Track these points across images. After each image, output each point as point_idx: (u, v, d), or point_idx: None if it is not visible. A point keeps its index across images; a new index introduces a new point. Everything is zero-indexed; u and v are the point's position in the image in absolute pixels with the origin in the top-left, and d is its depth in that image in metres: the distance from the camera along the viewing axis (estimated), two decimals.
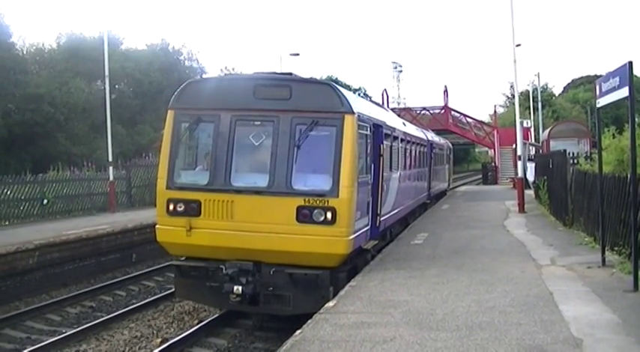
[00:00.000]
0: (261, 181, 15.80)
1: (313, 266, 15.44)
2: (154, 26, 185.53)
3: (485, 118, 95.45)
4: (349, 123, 15.59)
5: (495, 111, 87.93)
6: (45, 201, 33.41)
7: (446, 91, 69.04)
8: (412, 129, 30.05)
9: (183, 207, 16.04)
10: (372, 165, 18.18)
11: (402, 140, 24.56)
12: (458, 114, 70.06)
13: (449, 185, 49.88)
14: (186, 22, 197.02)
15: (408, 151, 26.57)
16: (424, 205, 33.98)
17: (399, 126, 24.98)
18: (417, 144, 29.68)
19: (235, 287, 15.57)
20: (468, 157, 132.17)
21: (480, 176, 77.88)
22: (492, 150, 68.59)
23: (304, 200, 15.33)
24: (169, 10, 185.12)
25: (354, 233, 15.95)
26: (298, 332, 11.25)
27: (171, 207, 16.14)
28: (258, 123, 16.36)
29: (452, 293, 13.67)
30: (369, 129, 17.69)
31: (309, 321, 11.99)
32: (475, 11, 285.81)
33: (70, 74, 68.24)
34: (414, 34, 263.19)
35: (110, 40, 47.14)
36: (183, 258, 16.82)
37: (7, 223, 30.68)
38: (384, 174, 19.71)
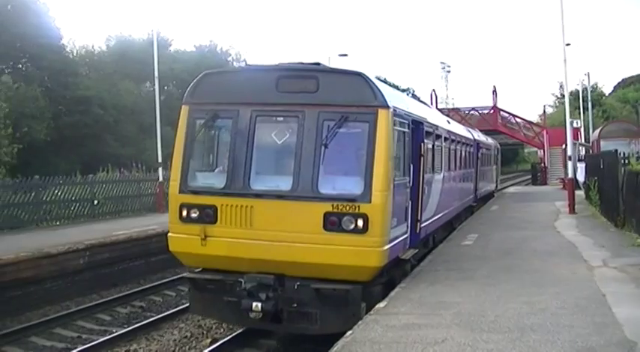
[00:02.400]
0: (284, 184, 14.02)
1: (343, 280, 13.71)
2: (203, 28, 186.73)
3: (535, 119, 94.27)
4: (383, 119, 13.73)
5: (544, 112, 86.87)
6: (95, 202, 33.21)
7: (495, 91, 67.61)
8: (457, 128, 28.02)
9: (197, 213, 14.38)
10: (411, 166, 16.28)
11: (445, 139, 22.50)
12: (507, 115, 68.44)
13: (497, 186, 48.13)
14: (235, 23, 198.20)
15: (453, 151, 24.55)
16: (470, 208, 32.08)
17: (443, 123, 22.99)
18: (463, 143, 27.71)
19: (254, 304, 13.81)
20: (517, 158, 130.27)
21: (529, 176, 76.69)
22: (541, 151, 67.42)
23: (332, 205, 13.53)
24: (217, 12, 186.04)
25: (390, 242, 14.11)
26: (349, 332, 11.20)
27: (184, 212, 14.49)
28: (281, 119, 14.70)
29: (502, 295, 13.48)
30: (407, 125, 15.78)
31: (360, 322, 11.91)
32: (524, 10, 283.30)
33: (118, 76, 68.25)
34: (463, 33, 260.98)
35: (159, 42, 46.61)
36: (198, 270, 15.23)
37: (57, 223, 30.64)
38: (425, 175, 17.80)
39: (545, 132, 65.86)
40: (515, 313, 11.93)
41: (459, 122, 37.84)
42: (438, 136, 20.89)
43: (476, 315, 11.86)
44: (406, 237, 15.95)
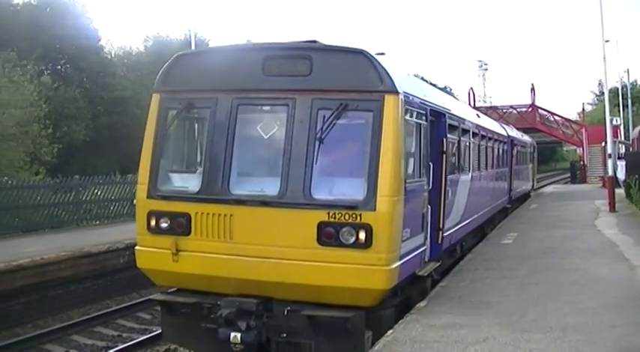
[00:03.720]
0: (271, 188, 11.45)
1: (342, 304, 11.23)
2: (239, 27, 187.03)
3: (573, 116, 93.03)
4: (392, 107, 11.16)
5: (583, 109, 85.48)
6: (135, 202, 32.66)
7: (533, 89, 66.17)
8: (488, 123, 25.23)
9: (168, 223, 11.86)
10: (431, 166, 13.49)
11: (474, 134, 19.65)
12: (545, 113, 66.90)
13: (533, 186, 45.53)
14: (272, 22, 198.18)
15: (483, 148, 21.73)
16: (504, 210, 29.22)
17: (471, 117, 20.02)
18: (495, 140, 24.96)
19: (232, 335, 11.27)
20: (555, 156, 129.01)
21: (568, 175, 75.02)
22: (580, 149, 66.27)
23: (328, 214, 10.98)
24: (253, 10, 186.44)
25: (401, 258, 11.48)
26: (390, 332, 11.00)
27: (153, 222, 11.97)
28: (268, 108, 12.10)
29: (543, 294, 13.17)
30: (424, 116, 13.06)
31: (401, 321, 11.67)
32: (563, 7, 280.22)
33: (156, 76, 68.81)
34: (500, 31, 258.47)
35: (196, 42, 46.30)
36: (172, 289, 12.73)
37: (97, 223, 30.41)
38: (449, 176, 15.14)
39: (584, 130, 63.92)
40: (556, 312, 11.67)
41: (498, 120, 35.78)
42: (465, 131, 18.10)
43: (516, 314, 11.64)
44: (424, 250, 13.31)
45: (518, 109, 66.32)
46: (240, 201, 11.52)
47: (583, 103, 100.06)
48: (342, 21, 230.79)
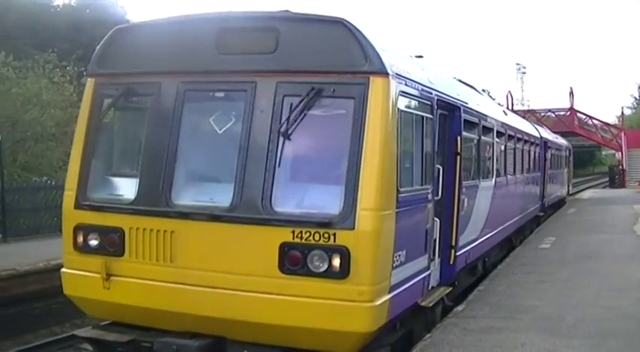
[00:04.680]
0: (222, 197, 8.50)
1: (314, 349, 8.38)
2: None
3: (612, 120, 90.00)
4: (379, 93, 8.16)
5: (622, 113, 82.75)
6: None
7: (571, 93, 63.11)
8: (518, 122, 21.65)
9: (98, 240, 9.01)
10: (440, 170, 10.47)
11: (499, 134, 16.30)
12: (584, 116, 64.89)
13: (568, 191, 41.46)
14: None
15: (511, 150, 18.33)
16: (536, 219, 25.65)
17: (495, 113, 16.57)
18: (526, 141, 21.45)
19: None
20: (594, 160, 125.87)
21: (606, 179, 72.20)
22: (619, 153, 64.16)
23: (293, 233, 8.04)
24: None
25: (391, 290, 8.53)
26: (427, 335, 10.19)
27: (80, 238, 9.12)
28: (222, 95, 9.03)
29: (582, 299, 12.31)
30: (429, 108, 10.02)
31: (438, 325, 10.80)
32: (601, 11, 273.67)
33: None
34: (538, 34, 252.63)
35: None
36: (106, 322, 9.78)
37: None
38: (465, 183, 12.05)
39: (623, 134, 60.70)
40: (595, 318, 10.90)
41: (536, 124, 31.91)
42: (487, 129, 14.81)
43: (555, 319, 10.86)
44: (428, 275, 10.31)
45: (556, 113, 63.20)
46: (183, 214, 8.60)
47: (622, 107, 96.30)
48: (380, 25, 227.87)
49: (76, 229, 9.17)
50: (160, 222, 8.66)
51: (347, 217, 7.95)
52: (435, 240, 10.74)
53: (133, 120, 9.97)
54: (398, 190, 8.54)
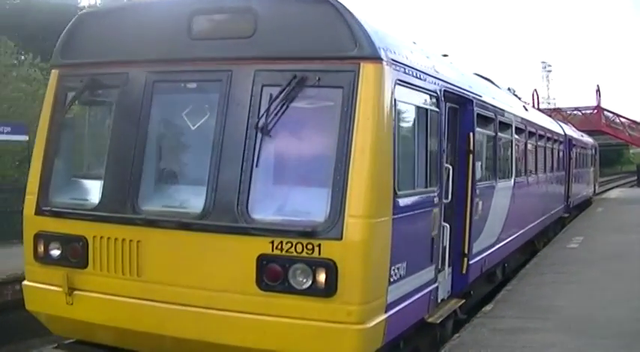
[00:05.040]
0: (193, 202, 7.33)
1: None
2: None
3: None
4: (372, 81, 6.94)
5: None
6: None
7: (598, 91, 62.25)
8: (540, 118, 19.99)
9: (60, 250, 7.85)
10: (450, 170, 9.23)
11: (519, 130, 14.91)
12: (611, 114, 63.68)
13: (595, 191, 39.37)
14: None
15: (532, 148, 16.84)
16: (560, 220, 23.81)
17: (514, 108, 15.06)
18: (548, 139, 19.83)
19: None
20: (621, 158, 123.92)
21: (633, 178, 70.76)
22: None
23: (272, 243, 6.84)
24: None
25: (388, 308, 7.29)
26: (456, 335, 9.93)
27: (41, 247, 7.96)
28: (194, 85, 7.90)
29: (612, 300, 11.96)
30: (435, 100, 8.74)
31: (467, 325, 10.49)
32: (629, 8, 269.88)
33: None
34: (564, 32, 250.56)
35: None
36: (70, 340, 8.53)
37: None
38: (479, 184, 10.78)
39: None
40: (625, 318, 10.61)
41: (562, 122, 29.41)
42: (505, 125, 13.33)
43: (585, 320, 10.61)
44: (435, 288, 8.99)
45: (583, 111, 61.56)
46: (149, 222, 7.40)
47: None
48: (404, 19, 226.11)
49: (37, 237, 8.03)
50: (125, 230, 7.49)
51: (333, 225, 6.73)
52: (445, 248, 9.48)
53: (99, 115, 8.81)
54: (395, 193, 7.30)
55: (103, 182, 7.81)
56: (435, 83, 8.73)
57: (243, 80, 7.26)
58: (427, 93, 8.50)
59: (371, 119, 6.86)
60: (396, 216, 7.27)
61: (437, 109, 8.78)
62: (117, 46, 7.92)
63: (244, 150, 7.10)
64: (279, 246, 6.82)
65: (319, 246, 6.70)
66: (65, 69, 8.27)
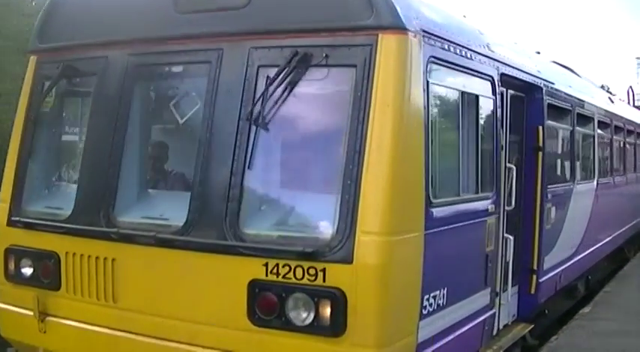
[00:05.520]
0: (176, 213, 5.75)
1: None
2: None
3: None
4: (393, 56, 5.22)
5: None
6: None
7: None
8: (627, 112, 17.05)
9: (32, 268, 6.44)
10: (513, 171, 7.58)
11: (603, 125, 12.70)
12: None
13: None
14: None
15: (618, 144, 14.48)
16: None
17: (596, 99, 12.69)
18: (639, 134, 17.26)
19: None
20: None
21: None
22: None
23: (266, 266, 5.22)
24: None
25: (422, 348, 5.59)
26: (553, 337, 9.50)
27: (12, 264, 6.56)
28: (180, 69, 6.27)
29: None
30: (490, 85, 6.96)
31: (564, 327, 10.10)
32: None
33: None
34: None
35: None
36: None
37: None
38: (551, 187, 8.80)
39: None
40: None
41: None
42: (586, 118, 11.23)
43: None
44: (492, 314, 7.22)
45: None
46: (125, 236, 5.85)
47: None
48: (496, 20, 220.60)
49: (7, 252, 6.63)
50: (99, 245, 6.00)
51: (341, 244, 5.06)
52: (508, 264, 7.68)
53: (76, 108, 7.25)
54: (429, 202, 5.57)
55: (77, 188, 6.38)
56: (489, 64, 6.92)
57: (235, 60, 5.67)
58: (477, 76, 6.70)
59: (391, 106, 5.16)
60: (430, 231, 5.55)
61: (491, 97, 6.97)
62: (95, 26, 6.45)
63: (235, 149, 5.52)
64: (275, 270, 5.21)
65: (323, 270, 5.06)
66: (43, 55, 6.84)
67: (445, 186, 6.07)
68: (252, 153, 5.45)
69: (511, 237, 7.62)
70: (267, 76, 5.43)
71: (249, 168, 5.46)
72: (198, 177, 5.67)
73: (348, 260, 5.00)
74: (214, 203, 5.52)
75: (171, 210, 5.84)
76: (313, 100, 5.61)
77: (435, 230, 5.62)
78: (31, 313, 6.38)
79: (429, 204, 5.53)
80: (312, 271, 5.07)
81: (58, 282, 6.27)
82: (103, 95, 6.32)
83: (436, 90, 5.84)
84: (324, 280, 5.04)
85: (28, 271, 6.48)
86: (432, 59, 5.65)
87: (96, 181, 6.18)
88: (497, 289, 7.43)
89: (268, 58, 5.51)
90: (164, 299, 5.70)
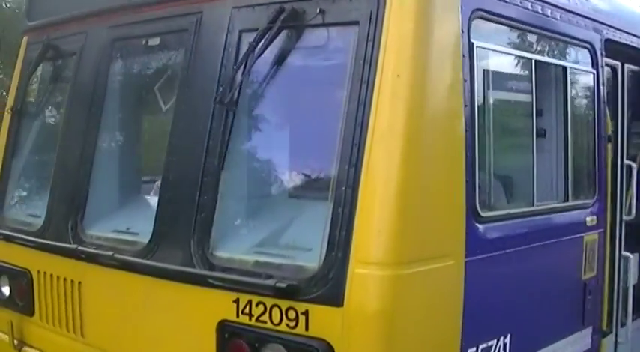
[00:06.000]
0: (146, 227, 4.28)
1: None
2: None
3: None
4: (408, 9, 3.50)
5: None
6: None
7: None
8: None
9: (9, 286, 5.22)
10: (630, 169, 5.64)
11: None
12: None
13: None
14: None
15: None
16: None
17: None
18: None
19: None
20: None
21: None
22: None
23: (237, 302, 3.67)
24: None
25: None
26: None
27: None
28: (157, 42, 4.69)
29: None
30: (589, 55, 5.01)
31: None
32: None
33: None
34: None
35: None
36: None
37: None
38: None
39: None
40: None
41: None
42: None
43: None
44: None
45: None
46: (89, 256, 4.49)
47: None
48: None
49: None
50: (66, 264, 4.69)
51: (329, 278, 3.44)
52: (628, 291, 5.70)
53: (60, 97, 5.81)
54: (474, 216, 3.82)
55: (49, 191, 5.11)
56: (585, 26, 4.98)
57: (215, 26, 4.19)
58: (564, 41, 4.83)
59: (405, 78, 3.47)
60: (476, 257, 3.80)
61: (590, 70, 5.04)
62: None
63: (208, 142, 4.02)
64: (247, 309, 3.68)
65: (306, 314, 3.48)
66: (31, 34, 5.67)
67: (508, 192, 4.35)
68: (227, 147, 3.95)
69: (630, 256, 5.67)
70: (250, 44, 3.90)
71: (223, 167, 3.95)
72: (166, 180, 4.26)
73: (336, 301, 3.39)
74: (182, 214, 4.06)
75: (143, 223, 4.42)
76: (304, 75, 4.05)
77: (487, 255, 3.90)
78: (5, 337, 5.24)
79: (474, 219, 3.81)
80: (291, 314, 3.51)
81: (31, 306, 5.05)
82: (79, 80, 5.05)
83: (489, 57, 4.09)
84: (306, 327, 3.48)
85: (6, 290, 5.30)
86: (479, 12, 3.90)
87: (66, 184, 4.91)
88: (607, 327, 5.50)
89: (252, 20, 4.00)
90: (130, 334, 4.33)
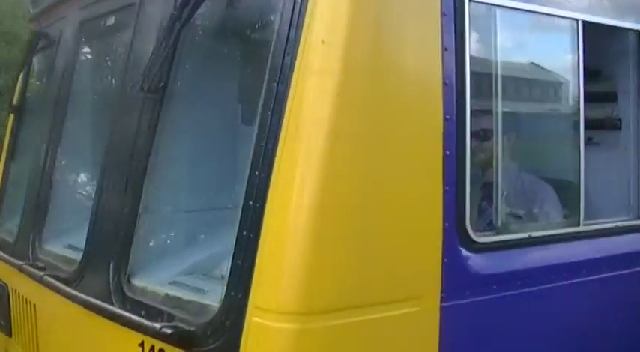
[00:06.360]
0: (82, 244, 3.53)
1: None
2: None
3: None
4: None
5: None
6: None
7: None
8: None
9: None
10: None
11: None
12: None
13: None
14: None
15: None
16: None
17: None
18: None
19: None
20: None
21: None
22: None
23: (141, 345, 2.79)
24: None
25: None
26: None
27: None
28: (112, 22, 3.87)
29: None
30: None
31: None
32: None
33: None
34: None
35: None
36: None
37: None
38: None
39: None
40: None
41: None
42: None
43: None
44: None
45: None
46: (40, 275, 3.66)
47: None
48: None
49: None
50: (25, 283, 4.02)
51: (225, 327, 2.44)
52: None
53: (40, 92, 5.13)
54: (464, 240, 2.66)
55: (24, 201, 4.46)
56: None
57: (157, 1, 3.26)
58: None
59: (337, 42, 2.39)
60: (463, 301, 2.66)
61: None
62: None
63: (134, 143, 3.16)
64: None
65: None
66: (35, 23, 4.99)
67: (532, 205, 3.05)
68: (148, 151, 3.07)
69: None
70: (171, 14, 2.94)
71: (146, 174, 3.07)
72: (100, 188, 3.44)
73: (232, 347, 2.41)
74: (108, 231, 3.25)
75: (80, 239, 3.61)
76: (234, 53, 3.20)
77: (484, 298, 2.71)
78: None
79: (462, 246, 2.65)
80: None
81: (9, 325, 4.41)
82: (54, 74, 4.34)
83: (490, 15, 2.86)
84: None
85: None
86: None
87: (32, 193, 4.26)
88: None
89: None
90: None
